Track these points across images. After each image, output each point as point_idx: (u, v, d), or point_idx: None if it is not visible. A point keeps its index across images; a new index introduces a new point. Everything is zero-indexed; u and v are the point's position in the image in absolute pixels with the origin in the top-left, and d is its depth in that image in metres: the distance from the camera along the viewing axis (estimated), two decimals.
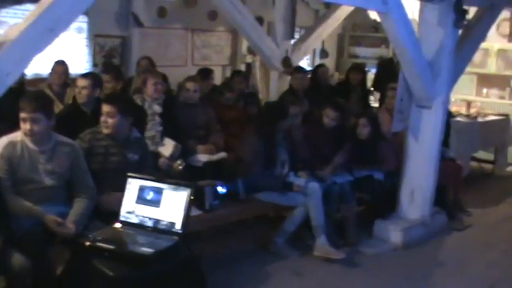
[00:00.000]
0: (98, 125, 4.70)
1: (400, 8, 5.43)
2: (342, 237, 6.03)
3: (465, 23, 6.13)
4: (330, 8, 9.09)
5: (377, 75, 9.66)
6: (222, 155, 6.06)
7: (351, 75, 8.59)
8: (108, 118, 4.60)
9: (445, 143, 6.97)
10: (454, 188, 7.40)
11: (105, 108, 4.62)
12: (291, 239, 5.75)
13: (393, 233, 6.22)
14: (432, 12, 6.06)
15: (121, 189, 4.11)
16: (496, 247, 6.48)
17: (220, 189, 5.21)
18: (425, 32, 6.14)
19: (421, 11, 6.20)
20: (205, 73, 7.65)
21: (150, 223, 3.96)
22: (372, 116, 6.69)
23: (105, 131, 4.63)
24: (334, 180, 6.04)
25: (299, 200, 5.60)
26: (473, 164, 9.49)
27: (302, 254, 5.70)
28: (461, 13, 5.98)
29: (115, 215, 4.06)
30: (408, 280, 5.48)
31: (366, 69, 10.71)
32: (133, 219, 4.01)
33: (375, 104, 9.18)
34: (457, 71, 6.49)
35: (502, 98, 10.74)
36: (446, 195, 7.19)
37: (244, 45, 9.80)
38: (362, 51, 12.30)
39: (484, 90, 10.92)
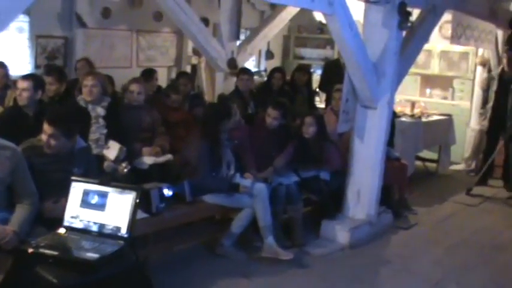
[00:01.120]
0: (39, 138, 4.39)
1: (345, 9, 5.46)
2: (289, 238, 6.04)
3: (409, 24, 6.21)
4: (276, 9, 9.12)
5: (323, 76, 9.73)
6: (168, 157, 5.99)
7: (296, 76, 8.63)
8: (51, 140, 4.29)
9: (390, 142, 7.06)
10: (400, 187, 7.52)
11: (48, 130, 4.28)
12: (238, 241, 5.73)
13: (340, 233, 6.26)
14: (377, 14, 6.13)
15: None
16: (441, 245, 6.60)
17: (167, 192, 5.15)
18: (370, 33, 6.21)
19: (366, 13, 6.27)
20: (148, 74, 7.58)
21: (95, 228, 3.87)
22: (318, 115, 6.72)
23: (47, 151, 4.33)
24: (281, 181, 6.05)
25: (246, 201, 5.59)
26: (418, 163, 9.65)
27: (250, 256, 5.69)
28: (405, 15, 6.07)
29: (59, 220, 3.95)
30: (355, 280, 5.51)
31: (312, 70, 10.82)
32: (78, 224, 3.91)
33: (321, 105, 9.24)
34: (401, 72, 6.58)
35: (444, 98, 10.93)
36: (391, 195, 7.30)
37: (190, 46, 9.73)
38: (307, 52, 12.36)
39: (428, 91, 11.10)
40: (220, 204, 5.61)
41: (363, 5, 6.26)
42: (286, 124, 6.60)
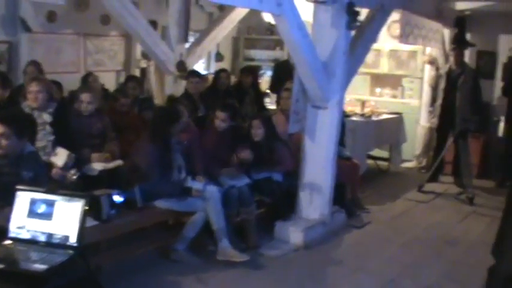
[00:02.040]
0: None
1: (294, 10, 5.45)
2: (243, 240, 6.01)
3: (357, 24, 6.25)
4: (224, 10, 9.08)
5: (273, 77, 9.74)
6: (118, 162, 5.89)
7: (242, 77, 8.61)
8: (2, 139, 4.32)
9: (341, 142, 7.08)
10: (352, 186, 7.56)
11: (0, 128, 4.32)
12: (192, 245, 5.66)
13: (294, 234, 6.25)
14: (325, 14, 6.15)
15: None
16: (395, 242, 6.65)
17: (117, 198, 5.05)
18: (319, 33, 6.22)
19: (315, 13, 6.28)
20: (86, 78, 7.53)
21: (42, 238, 3.76)
22: (265, 117, 6.70)
23: None
24: (233, 183, 6.01)
25: (198, 204, 5.53)
26: (370, 161, 9.73)
27: (204, 260, 5.63)
28: (354, 15, 6.10)
29: (4, 231, 3.83)
30: (311, 280, 5.51)
31: (262, 71, 10.82)
32: (25, 235, 3.78)
33: (273, 106, 9.23)
34: (350, 72, 6.61)
35: (394, 97, 11.05)
36: (344, 194, 7.32)
37: (139, 49, 9.62)
38: (257, 53, 12.36)
39: (378, 90, 11.21)
40: (173, 209, 5.55)
41: (311, 5, 6.27)
42: (237, 125, 6.56)
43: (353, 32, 6.44)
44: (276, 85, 8.90)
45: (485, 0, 9.11)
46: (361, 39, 6.75)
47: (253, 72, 9.04)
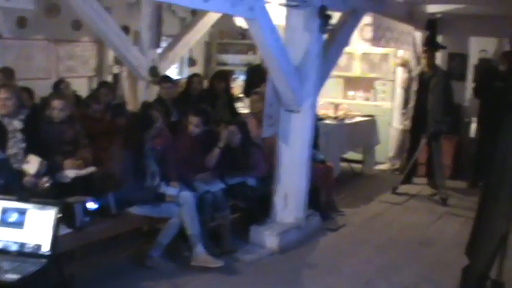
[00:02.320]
0: None
1: (266, 14, 5.45)
2: (218, 245, 5.99)
3: (330, 27, 6.26)
4: (197, 15, 9.07)
5: (246, 81, 9.73)
6: (91, 169, 5.83)
7: (215, 82, 8.59)
8: None
9: (315, 145, 7.09)
10: (326, 189, 7.58)
11: None
12: (167, 252, 5.64)
13: (269, 238, 6.24)
14: (297, 17, 6.15)
15: None
16: (370, 244, 6.68)
17: (91, 205, 5.03)
18: (291, 37, 6.22)
19: (287, 17, 6.28)
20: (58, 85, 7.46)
21: (14, 247, 3.72)
22: (242, 122, 6.69)
23: None
24: (207, 188, 5.99)
25: (173, 210, 5.51)
26: (343, 164, 9.74)
27: (179, 266, 5.61)
28: (326, 18, 6.11)
29: None
30: (287, 284, 5.52)
31: (235, 76, 10.81)
32: None
33: (246, 110, 9.22)
34: (323, 75, 6.62)
35: (367, 99, 11.09)
36: (319, 197, 7.32)
37: (111, 55, 9.56)
38: (230, 58, 12.36)
39: (350, 93, 11.24)
40: (147, 216, 5.51)
41: (283, 9, 6.27)
42: (211, 130, 6.55)
43: (325, 36, 6.46)
44: (249, 89, 8.89)
45: (455, 3, 9.20)
46: (333, 42, 6.78)
47: (225, 77, 9.03)
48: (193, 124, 6.30)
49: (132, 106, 8.00)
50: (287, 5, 6.15)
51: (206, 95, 8.26)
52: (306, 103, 6.33)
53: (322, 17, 6.09)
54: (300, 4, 6.05)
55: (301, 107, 6.32)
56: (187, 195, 5.60)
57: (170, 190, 5.68)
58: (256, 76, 8.75)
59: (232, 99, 9.16)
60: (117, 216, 5.31)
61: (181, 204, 5.52)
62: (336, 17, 6.66)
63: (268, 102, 6.37)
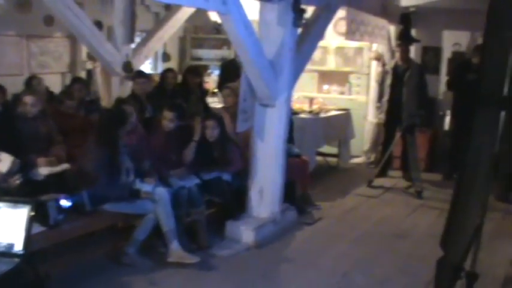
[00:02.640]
0: None
1: (240, 8, 5.43)
2: (194, 241, 5.97)
3: (304, 22, 6.27)
4: (171, 10, 9.00)
5: (220, 76, 9.70)
6: (65, 166, 5.76)
7: (189, 77, 8.55)
8: None
9: (290, 139, 7.09)
10: (302, 183, 7.58)
11: None
12: (143, 248, 5.60)
13: (245, 233, 6.24)
14: (271, 12, 6.14)
15: None
16: (346, 237, 6.71)
17: (65, 203, 4.98)
18: (265, 31, 6.21)
19: (261, 11, 6.27)
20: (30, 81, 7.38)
21: None
22: (219, 117, 6.66)
23: None
24: (182, 184, 5.96)
25: (148, 207, 5.48)
26: (319, 158, 9.78)
27: (156, 263, 5.59)
28: (300, 12, 6.11)
29: None
30: (264, 278, 5.52)
31: (210, 71, 10.79)
32: None
33: (219, 105, 9.20)
34: (298, 69, 6.63)
35: (342, 93, 11.11)
36: (294, 191, 7.33)
37: (84, 51, 9.47)
38: (204, 53, 12.30)
39: (325, 87, 11.26)
40: (122, 212, 5.47)
41: (257, 3, 6.26)
42: (186, 125, 6.52)
43: (300, 30, 6.46)
44: (224, 84, 8.86)
45: None
46: (307, 36, 6.78)
47: (199, 71, 9.00)
48: (168, 119, 6.27)
49: (106, 102, 7.94)
50: None
51: (180, 90, 8.21)
52: (280, 97, 6.33)
53: (296, 11, 6.09)
54: None
55: (276, 101, 6.31)
56: (162, 192, 5.57)
57: (145, 186, 5.64)
58: (231, 71, 8.74)
59: (205, 94, 9.13)
60: (92, 213, 5.26)
61: (156, 201, 5.49)
62: (309, 11, 6.67)
63: (243, 96, 6.35)
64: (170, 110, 6.29)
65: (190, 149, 6.29)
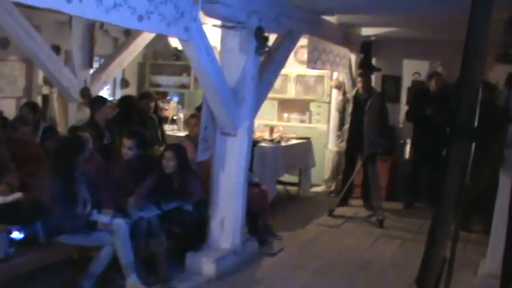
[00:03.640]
0: None
1: (202, 35, 5.32)
2: (153, 273, 5.78)
3: (266, 49, 6.19)
4: (130, 35, 8.90)
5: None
6: (17, 195, 5.53)
7: (144, 103, 8.42)
8: None
9: (249, 168, 6.98)
10: (262, 213, 7.45)
11: None
12: (100, 281, 5.39)
13: (206, 265, 6.08)
14: (234, 39, 6.07)
15: None
16: (308, 268, 6.61)
17: (17, 235, 4.79)
18: (227, 59, 6.13)
19: (223, 38, 6.20)
20: None
21: None
22: (178, 147, 6.50)
23: None
24: (141, 214, 5.78)
25: (105, 238, 5.29)
26: (279, 187, 9.67)
27: None
28: (262, 40, 6.04)
29: None
30: None
31: (169, 97, 10.69)
32: None
33: (181, 133, 9.09)
34: (260, 97, 6.56)
35: (302, 121, 11.10)
36: (256, 221, 7.22)
37: (40, 75, 9.27)
38: (163, 79, 12.14)
39: (285, 115, 11.24)
40: (78, 244, 5.27)
41: (219, 30, 6.18)
42: (146, 154, 6.36)
43: (262, 58, 6.38)
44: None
45: (389, 26, 9.33)
46: (270, 64, 6.72)
47: (153, 97, 8.88)
48: (127, 147, 6.11)
49: (62, 128, 7.74)
50: (223, 26, 6.06)
51: (136, 117, 8.06)
52: (242, 126, 6.22)
53: (259, 39, 6.01)
54: (236, 25, 5.96)
55: (237, 130, 6.21)
56: (120, 223, 5.37)
57: (102, 218, 5.44)
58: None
59: (161, 121, 9.01)
60: (46, 245, 5.07)
61: (114, 232, 5.29)
62: (272, 38, 6.61)
63: (203, 125, 6.25)
64: (129, 137, 6.14)
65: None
